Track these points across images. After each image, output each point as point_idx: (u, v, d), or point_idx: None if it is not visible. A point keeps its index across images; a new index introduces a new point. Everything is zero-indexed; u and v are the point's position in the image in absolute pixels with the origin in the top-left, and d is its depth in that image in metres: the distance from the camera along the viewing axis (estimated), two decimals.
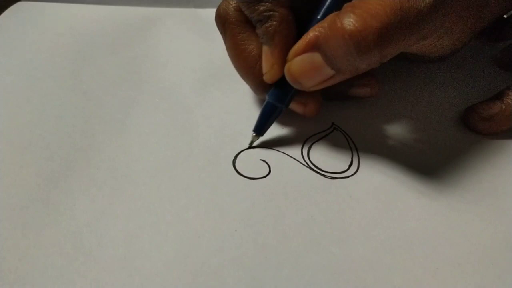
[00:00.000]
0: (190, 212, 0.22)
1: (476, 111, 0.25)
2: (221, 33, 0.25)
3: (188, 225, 0.21)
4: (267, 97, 0.24)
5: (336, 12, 0.20)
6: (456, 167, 0.24)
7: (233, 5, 0.24)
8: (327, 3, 0.22)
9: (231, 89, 0.29)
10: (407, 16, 0.19)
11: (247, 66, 0.24)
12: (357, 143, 0.25)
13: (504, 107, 0.25)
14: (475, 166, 0.24)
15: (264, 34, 0.22)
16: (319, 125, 0.26)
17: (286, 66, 0.22)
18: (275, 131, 0.26)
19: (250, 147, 0.25)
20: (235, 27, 0.24)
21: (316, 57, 0.20)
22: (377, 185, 0.23)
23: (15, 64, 0.31)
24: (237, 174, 0.24)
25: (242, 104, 0.28)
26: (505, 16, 0.29)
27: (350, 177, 0.24)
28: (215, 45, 0.33)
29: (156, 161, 0.24)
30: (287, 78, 0.22)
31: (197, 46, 0.33)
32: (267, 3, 0.22)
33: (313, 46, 0.20)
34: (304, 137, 0.26)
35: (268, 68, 0.23)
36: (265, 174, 0.24)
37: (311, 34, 0.20)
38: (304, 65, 0.21)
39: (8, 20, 0.36)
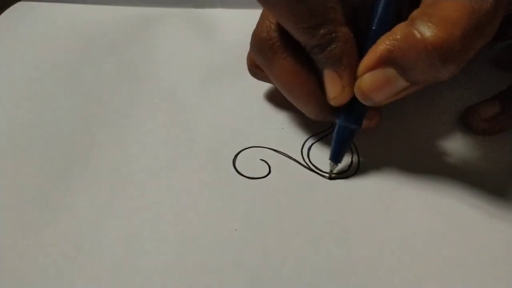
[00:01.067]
0: (190, 212, 0.22)
1: (476, 111, 0.25)
2: (264, 57, 0.23)
3: (188, 225, 0.21)
4: (338, 122, 0.22)
5: (407, 22, 0.19)
6: (456, 167, 0.24)
7: (275, 27, 0.22)
8: (379, 10, 0.20)
9: (231, 89, 0.29)
10: (480, 18, 0.18)
11: (307, 92, 0.23)
12: (357, 143, 0.25)
13: (504, 107, 0.25)
14: (475, 166, 0.24)
15: (329, 58, 0.20)
16: (319, 125, 0.26)
17: (356, 83, 0.20)
18: (275, 131, 0.26)
19: (331, 178, 0.24)
20: (286, 51, 0.22)
21: (389, 71, 0.19)
22: (377, 185, 0.23)
23: (15, 64, 0.31)
24: (237, 174, 0.24)
25: (242, 104, 0.28)
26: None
27: (350, 177, 0.24)
28: (215, 45, 0.33)
29: (156, 161, 0.24)
30: (358, 96, 0.20)
31: (197, 46, 0.33)
32: (328, 25, 0.20)
33: (386, 60, 0.19)
34: (304, 137, 0.26)
35: (338, 92, 0.21)
36: (265, 174, 0.24)
37: (381, 47, 0.19)
38: (376, 81, 0.20)
39: (8, 20, 0.36)
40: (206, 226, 0.21)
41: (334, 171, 0.24)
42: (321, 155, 0.25)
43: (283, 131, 0.26)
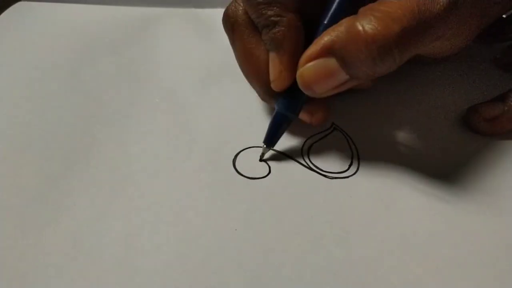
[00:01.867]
0: (190, 212, 0.22)
1: (478, 111, 0.25)
2: (228, 35, 0.25)
3: (188, 225, 0.21)
4: (276, 107, 0.23)
5: (353, 16, 0.19)
6: (456, 167, 0.24)
7: (241, 8, 0.23)
8: (334, 7, 0.21)
9: (231, 89, 0.29)
10: (424, 19, 0.19)
11: (255, 72, 0.24)
12: (357, 143, 0.25)
13: (506, 108, 0.25)
14: (476, 166, 0.24)
15: (272, 40, 0.22)
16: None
17: (298, 72, 0.21)
18: None
19: (261, 160, 0.24)
20: (244, 30, 0.23)
21: (331, 62, 0.20)
22: (377, 185, 0.23)
23: (15, 64, 0.31)
24: (237, 174, 0.24)
25: (242, 104, 0.28)
26: (504, 16, 0.29)
27: (350, 177, 0.24)
28: (215, 45, 0.33)
29: (156, 161, 0.24)
30: (299, 84, 0.21)
31: (197, 46, 0.33)
32: (275, 8, 0.21)
33: (329, 51, 0.20)
34: (304, 137, 0.26)
35: (276, 75, 0.22)
36: (265, 174, 0.24)
37: (326, 38, 0.20)
38: (318, 71, 0.20)
39: (8, 20, 0.36)
40: (206, 226, 0.21)
41: (266, 156, 0.24)
42: (321, 155, 0.25)
43: None
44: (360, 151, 0.25)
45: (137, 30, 0.35)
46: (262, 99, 0.25)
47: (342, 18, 0.20)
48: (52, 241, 0.21)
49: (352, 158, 0.25)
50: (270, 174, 0.24)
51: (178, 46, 0.33)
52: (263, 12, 0.21)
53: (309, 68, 0.20)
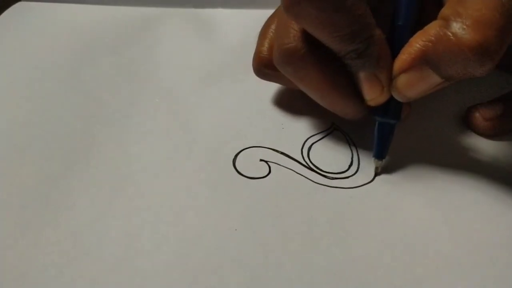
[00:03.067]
0: (190, 212, 0.22)
1: (479, 111, 0.25)
2: (293, 68, 0.22)
3: (188, 225, 0.21)
4: (378, 118, 0.23)
5: (439, 22, 0.19)
6: (456, 167, 0.24)
7: (301, 34, 0.21)
8: (404, 5, 0.21)
9: (231, 89, 0.29)
10: (509, 13, 0.18)
11: (343, 96, 0.22)
12: (357, 143, 0.25)
13: (507, 109, 0.24)
14: (476, 166, 0.24)
15: (366, 62, 0.20)
16: (319, 125, 0.26)
17: (393, 83, 0.21)
18: (275, 131, 0.26)
19: (376, 174, 0.24)
20: (317, 60, 0.21)
21: (425, 70, 0.19)
22: (377, 185, 0.23)
23: (15, 64, 0.31)
24: (237, 174, 0.24)
25: (242, 104, 0.28)
26: None
27: (350, 177, 0.24)
28: (215, 45, 0.33)
29: (156, 161, 0.24)
30: (394, 94, 0.21)
31: (197, 46, 0.33)
32: (362, 31, 0.19)
33: (421, 61, 0.19)
34: (304, 137, 0.26)
35: (378, 94, 0.21)
36: (265, 174, 0.24)
37: (415, 48, 0.19)
38: (412, 80, 0.20)
39: (8, 20, 0.36)
40: (206, 226, 0.21)
41: (380, 168, 0.24)
42: (321, 155, 0.25)
43: (283, 131, 0.26)
44: (360, 151, 0.25)
45: (137, 30, 0.35)
46: (351, 118, 0.24)
47: (414, 16, 0.20)
48: (52, 241, 0.21)
49: (352, 158, 0.25)
50: (270, 174, 0.24)
51: (178, 46, 0.33)
52: (353, 39, 0.20)
53: (402, 78, 0.20)
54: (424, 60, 0.19)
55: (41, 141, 0.25)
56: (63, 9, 0.37)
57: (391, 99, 0.22)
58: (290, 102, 0.27)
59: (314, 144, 0.25)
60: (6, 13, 0.36)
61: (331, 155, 0.25)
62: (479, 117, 0.25)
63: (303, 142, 0.26)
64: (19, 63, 0.31)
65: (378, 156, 0.24)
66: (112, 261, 0.20)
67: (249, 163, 0.24)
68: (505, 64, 0.31)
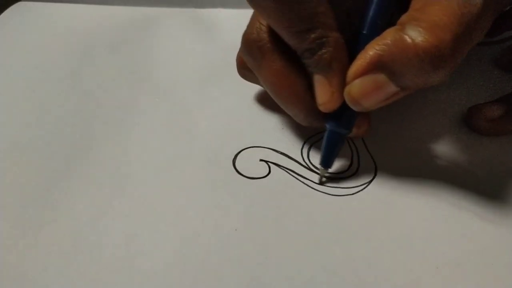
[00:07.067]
0: (190, 212, 0.22)
1: (481, 111, 0.25)
2: (253, 60, 0.23)
3: (188, 225, 0.21)
4: (328, 126, 0.22)
5: (396, 27, 0.19)
6: (457, 167, 0.24)
7: (266, 29, 0.22)
8: (370, 15, 0.20)
9: (231, 89, 0.29)
10: (468, 22, 0.18)
11: (294, 96, 0.22)
12: (357, 143, 0.25)
13: (509, 109, 0.24)
14: (476, 166, 0.24)
15: (319, 63, 0.20)
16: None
17: (346, 89, 0.20)
18: (275, 131, 0.26)
19: (321, 183, 0.23)
20: (275, 54, 0.22)
21: (380, 76, 0.19)
22: (377, 185, 0.23)
23: (15, 64, 0.31)
24: (237, 174, 0.24)
25: (242, 104, 0.28)
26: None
27: (350, 177, 0.24)
28: (215, 45, 0.33)
29: (156, 160, 0.24)
30: (348, 101, 0.20)
31: (197, 46, 0.33)
32: (318, 30, 0.19)
33: (376, 66, 0.19)
34: (304, 137, 0.26)
35: (327, 98, 0.21)
36: (265, 174, 0.24)
37: (371, 52, 0.19)
38: (366, 86, 0.19)
39: (8, 20, 0.36)
40: (206, 226, 0.21)
41: (324, 176, 0.24)
42: None
43: (283, 131, 0.26)
44: (360, 151, 0.25)
45: (137, 30, 0.35)
46: (303, 122, 0.23)
47: (380, 26, 0.19)
48: (52, 241, 0.21)
49: (352, 158, 0.25)
50: (270, 174, 0.24)
51: (178, 46, 0.33)
52: (306, 36, 0.20)
53: (357, 84, 0.19)
54: (379, 65, 0.19)
55: (41, 141, 0.25)
56: (63, 9, 0.37)
57: (345, 108, 0.21)
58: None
59: (314, 144, 0.25)
60: (6, 13, 0.36)
61: None
62: (481, 117, 0.25)
63: (303, 142, 0.26)
64: (19, 63, 0.31)
65: (324, 164, 0.23)
66: (112, 261, 0.20)
67: (249, 163, 0.24)
68: (505, 64, 0.31)
